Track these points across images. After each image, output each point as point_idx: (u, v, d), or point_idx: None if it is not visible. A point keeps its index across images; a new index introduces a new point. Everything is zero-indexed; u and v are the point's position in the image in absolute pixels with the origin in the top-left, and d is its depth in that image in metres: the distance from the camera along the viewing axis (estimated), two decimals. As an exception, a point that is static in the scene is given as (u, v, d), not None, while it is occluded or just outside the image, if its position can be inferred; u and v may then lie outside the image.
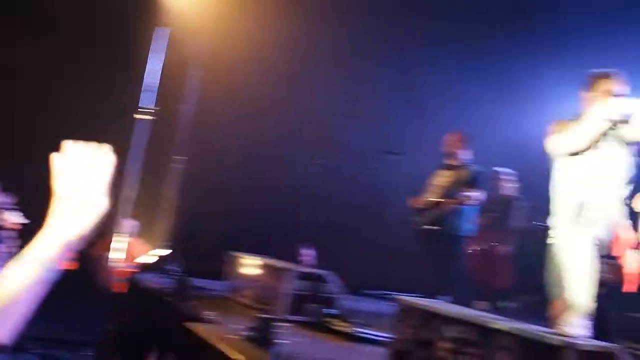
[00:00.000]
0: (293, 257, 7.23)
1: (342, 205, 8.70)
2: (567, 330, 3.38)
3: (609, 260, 7.26)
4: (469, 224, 6.56)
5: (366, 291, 7.89)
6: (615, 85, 4.11)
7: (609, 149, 4.01)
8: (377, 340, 4.88)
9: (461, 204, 6.36)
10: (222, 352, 3.10)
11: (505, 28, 8.22)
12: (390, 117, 9.01)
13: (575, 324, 3.47)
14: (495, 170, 7.73)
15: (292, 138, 8.85)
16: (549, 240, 4.14)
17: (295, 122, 8.87)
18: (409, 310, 4.06)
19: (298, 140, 8.84)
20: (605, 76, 4.17)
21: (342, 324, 5.20)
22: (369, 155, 6.53)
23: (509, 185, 7.88)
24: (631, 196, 3.97)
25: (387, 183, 7.89)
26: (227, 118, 8.66)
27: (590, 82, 4.24)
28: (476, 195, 6.39)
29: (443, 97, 8.85)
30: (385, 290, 6.93)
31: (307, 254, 8.27)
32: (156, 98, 7.32)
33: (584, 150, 3.99)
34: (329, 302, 5.64)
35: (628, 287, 3.65)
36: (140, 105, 7.45)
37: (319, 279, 5.66)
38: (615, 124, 3.88)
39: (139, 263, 8.26)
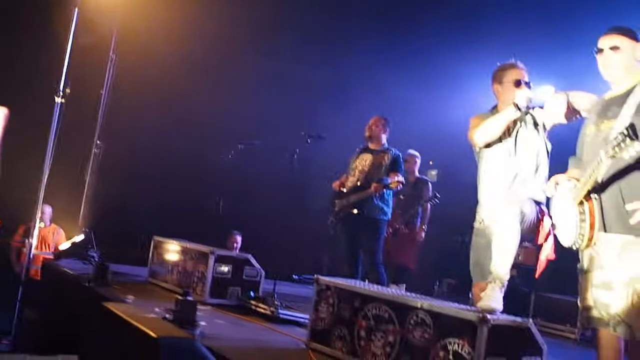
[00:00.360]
0: (218, 243, 7.19)
1: (265, 189, 8.68)
2: (483, 306, 3.48)
3: (524, 244, 7.53)
4: (389, 207, 6.65)
5: (293, 276, 7.94)
6: (521, 74, 4.23)
7: (524, 136, 4.14)
8: (299, 321, 4.94)
9: (389, 188, 6.42)
10: (141, 330, 3.06)
11: (426, 13, 8.31)
12: (313, 102, 9.01)
13: (493, 301, 3.57)
14: (408, 153, 7.86)
15: (213, 122, 8.73)
16: (474, 224, 4.22)
17: (216, 106, 8.75)
18: (328, 290, 4.12)
19: (219, 124, 8.71)
20: (511, 67, 4.27)
21: (265, 306, 5.23)
22: (292, 139, 6.51)
23: (418, 167, 8.02)
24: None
25: (309, 167, 7.91)
26: (145, 101, 8.50)
27: (497, 74, 4.32)
28: (401, 179, 6.47)
29: (366, 81, 8.91)
30: (311, 274, 6.96)
31: (234, 239, 8.23)
32: (73, 82, 7.10)
33: (500, 140, 4.09)
34: (252, 284, 5.66)
35: (538, 273, 3.77)
36: (58, 88, 7.21)
37: (242, 262, 5.66)
38: (527, 112, 3.99)
39: (56, 250, 8.06)
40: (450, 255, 8.96)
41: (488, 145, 4.16)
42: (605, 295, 3.23)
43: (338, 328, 3.93)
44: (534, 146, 4.17)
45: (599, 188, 3.25)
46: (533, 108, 3.97)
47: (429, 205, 7.83)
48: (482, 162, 4.26)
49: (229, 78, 8.75)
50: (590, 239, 3.23)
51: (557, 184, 3.52)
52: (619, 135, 3.00)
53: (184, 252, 5.92)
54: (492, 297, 3.57)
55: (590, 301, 3.33)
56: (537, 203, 4.05)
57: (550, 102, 3.63)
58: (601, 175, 3.23)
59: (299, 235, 8.45)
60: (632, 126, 2.98)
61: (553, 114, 3.63)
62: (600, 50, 3.45)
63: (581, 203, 3.25)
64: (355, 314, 3.83)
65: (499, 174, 4.12)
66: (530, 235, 4.00)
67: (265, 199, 8.71)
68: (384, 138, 6.76)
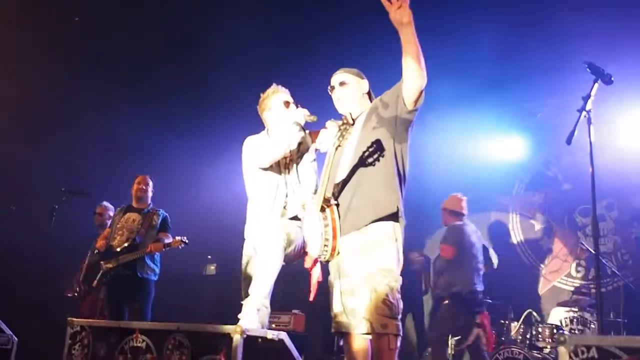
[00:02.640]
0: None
1: (26, 255, 7.92)
2: (243, 322, 3.47)
3: (294, 311, 7.64)
4: (159, 268, 6.53)
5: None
6: (287, 96, 4.32)
7: (304, 159, 4.23)
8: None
9: (169, 247, 6.32)
10: None
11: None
12: (83, 158, 8.47)
13: (249, 321, 3.57)
14: (100, 204, 7.56)
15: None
16: (243, 251, 4.12)
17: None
18: (83, 331, 3.88)
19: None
20: (275, 92, 4.33)
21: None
22: (52, 197, 6.12)
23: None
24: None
25: (76, 226, 7.43)
26: None
27: (264, 103, 4.33)
28: (184, 239, 6.36)
29: (136, 139, 8.60)
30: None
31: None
32: None
33: (280, 162, 4.08)
34: (2, 354, 5.13)
35: (312, 296, 3.82)
36: None
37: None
38: (304, 130, 4.01)
39: None
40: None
41: (264, 167, 4.08)
42: (351, 301, 3.42)
43: (94, 369, 3.70)
44: (312, 170, 4.27)
45: (337, 193, 3.48)
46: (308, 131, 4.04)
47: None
48: (254, 184, 4.19)
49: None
50: (334, 249, 3.40)
51: (304, 204, 3.69)
52: (342, 127, 3.45)
53: None
54: (247, 317, 3.57)
55: (339, 307, 3.49)
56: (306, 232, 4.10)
57: (328, 128, 3.80)
58: (335, 179, 3.47)
59: (63, 307, 7.77)
60: (350, 116, 3.52)
61: (326, 140, 3.80)
62: (332, 87, 3.84)
63: (322, 209, 3.42)
64: (112, 351, 3.65)
65: (271, 197, 4.10)
66: (296, 260, 4.04)
67: (26, 266, 7.89)
68: (149, 197, 6.73)
